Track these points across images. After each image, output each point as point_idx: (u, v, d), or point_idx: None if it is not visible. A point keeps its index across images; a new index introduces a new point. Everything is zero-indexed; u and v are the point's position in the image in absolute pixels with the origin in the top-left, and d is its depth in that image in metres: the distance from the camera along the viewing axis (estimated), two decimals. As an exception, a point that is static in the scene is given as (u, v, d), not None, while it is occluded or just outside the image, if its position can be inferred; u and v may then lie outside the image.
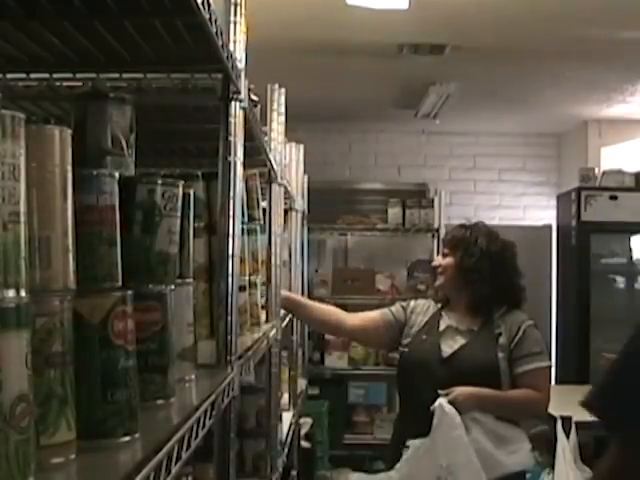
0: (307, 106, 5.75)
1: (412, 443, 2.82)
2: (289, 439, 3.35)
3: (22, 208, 0.76)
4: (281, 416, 3.11)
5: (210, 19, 1.31)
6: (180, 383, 1.33)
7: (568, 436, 3.78)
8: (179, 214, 1.27)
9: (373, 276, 6.25)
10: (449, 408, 2.77)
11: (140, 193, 1.18)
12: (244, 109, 1.68)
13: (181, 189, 1.27)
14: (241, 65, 1.67)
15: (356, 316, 3.33)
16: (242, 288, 2.00)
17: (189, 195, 1.36)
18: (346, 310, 3.45)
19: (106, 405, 0.99)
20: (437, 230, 6.11)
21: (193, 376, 1.41)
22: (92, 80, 1.67)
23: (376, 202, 6.66)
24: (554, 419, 3.82)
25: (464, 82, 5.38)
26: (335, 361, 6.16)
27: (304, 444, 4.61)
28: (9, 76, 1.67)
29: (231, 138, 1.61)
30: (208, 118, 1.87)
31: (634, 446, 1.62)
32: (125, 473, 0.85)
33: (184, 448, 1.08)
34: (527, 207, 7.23)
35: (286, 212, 3.59)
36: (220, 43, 1.41)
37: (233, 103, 1.62)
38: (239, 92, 1.63)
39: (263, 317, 2.47)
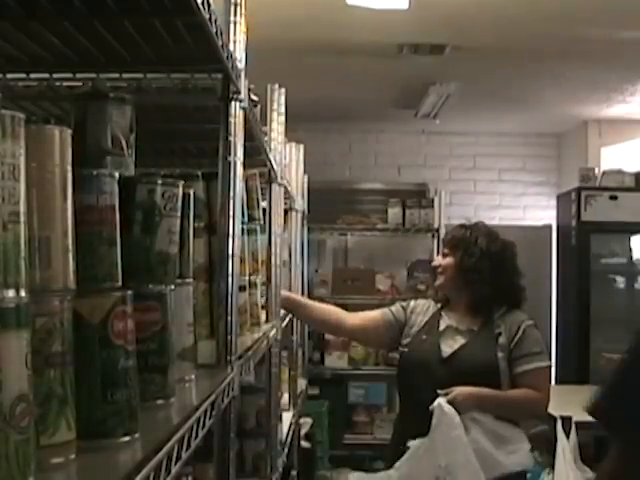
0: (307, 106, 5.75)
1: (412, 444, 2.82)
2: (289, 439, 3.35)
3: (22, 208, 0.76)
4: (281, 416, 3.11)
5: (210, 19, 1.31)
6: (180, 383, 1.33)
7: (568, 436, 3.78)
8: (179, 214, 1.27)
9: (373, 276, 6.26)
10: (448, 408, 2.77)
11: (140, 193, 1.18)
12: (244, 109, 1.68)
13: (181, 189, 1.27)
14: (241, 65, 1.67)
15: (356, 316, 3.33)
16: (242, 288, 2.00)
17: (189, 195, 1.36)
18: (346, 310, 3.45)
19: (106, 405, 0.99)
20: (437, 230, 6.11)
21: (193, 376, 1.41)
22: (92, 80, 1.67)
23: (376, 202, 6.67)
24: (554, 419, 3.82)
25: (464, 82, 5.38)
26: (335, 361, 6.16)
27: (304, 444, 4.61)
28: (9, 76, 1.67)
29: (231, 138, 1.61)
30: (208, 118, 1.87)
31: (636, 448, 1.62)
32: (125, 473, 0.85)
33: (184, 448, 1.08)
34: (527, 207, 7.23)
35: (286, 212, 3.59)
36: (220, 43, 1.41)
37: (233, 103, 1.62)
38: (239, 92, 1.63)
39: (263, 317, 2.47)
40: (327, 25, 4.32)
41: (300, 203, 4.31)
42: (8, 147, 0.74)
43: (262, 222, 2.43)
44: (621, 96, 5.79)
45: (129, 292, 1.04)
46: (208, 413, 1.28)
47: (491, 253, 3.07)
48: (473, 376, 2.89)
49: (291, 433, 3.46)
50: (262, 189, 2.51)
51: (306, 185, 4.92)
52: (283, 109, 3.08)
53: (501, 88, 5.72)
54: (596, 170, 6.23)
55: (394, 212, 6.25)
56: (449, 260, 3.13)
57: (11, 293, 0.74)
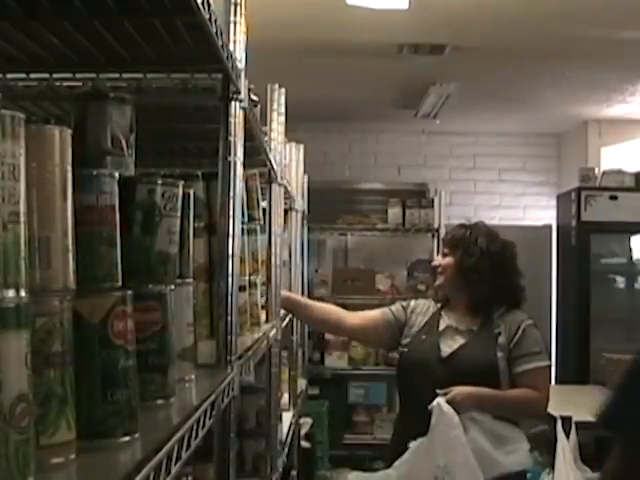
0: (307, 106, 5.75)
1: (412, 444, 2.82)
2: (289, 439, 3.35)
3: (22, 208, 0.76)
4: (281, 416, 3.11)
5: (210, 19, 1.31)
6: (180, 383, 1.33)
7: (568, 436, 3.78)
8: (179, 214, 1.27)
9: (373, 276, 6.26)
10: (447, 408, 2.77)
11: (140, 193, 1.18)
12: (244, 109, 1.68)
13: (181, 189, 1.27)
14: (241, 65, 1.67)
15: (356, 315, 3.33)
16: (242, 288, 2.00)
17: (189, 195, 1.36)
18: (346, 310, 3.45)
19: (106, 405, 0.99)
20: (437, 230, 6.12)
21: (193, 376, 1.41)
22: (92, 80, 1.67)
23: (376, 202, 6.67)
24: (554, 419, 3.82)
25: (464, 82, 5.38)
26: (335, 361, 6.16)
27: (304, 444, 4.61)
28: (9, 76, 1.67)
29: (231, 138, 1.61)
30: (208, 118, 1.87)
31: (638, 449, 1.63)
32: (125, 473, 0.85)
33: (184, 448, 1.08)
34: (527, 207, 7.23)
35: (286, 212, 3.59)
36: (220, 43, 1.41)
37: (233, 103, 1.62)
38: (239, 92, 1.63)
39: (263, 317, 2.47)
40: (327, 25, 4.32)
41: (300, 203, 4.31)
42: (8, 147, 0.74)
43: (262, 222, 2.43)
44: (621, 96, 5.79)
45: (129, 292, 1.04)
46: (208, 413, 1.28)
47: (491, 253, 3.07)
48: (472, 376, 2.89)
49: (291, 433, 3.46)
50: (262, 189, 2.51)
51: (306, 185, 4.92)
52: (283, 109, 3.08)
53: (501, 88, 5.72)
54: (596, 170, 6.23)
55: (394, 212, 6.26)
56: (449, 260, 3.13)
57: (11, 293, 0.74)
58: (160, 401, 1.19)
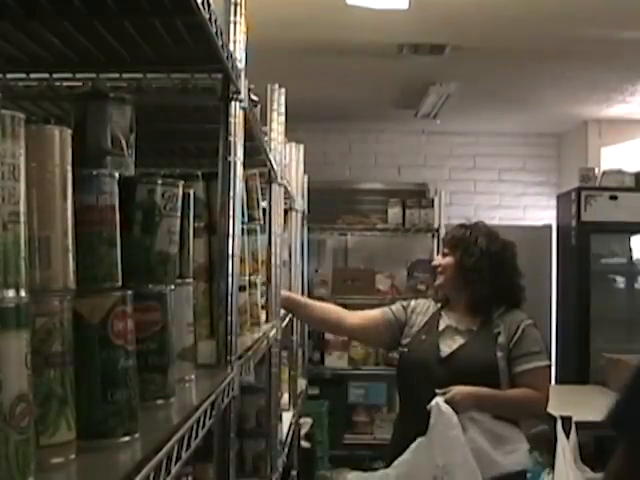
0: (307, 106, 5.75)
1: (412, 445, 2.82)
2: (289, 439, 3.35)
3: (22, 208, 0.76)
4: (281, 416, 3.11)
5: (210, 19, 1.31)
6: (180, 383, 1.33)
7: (568, 436, 3.78)
8: (179, 214, 1.27)
9: (373, 276, 6.26)
10: (446, 407, 2.77)
11: (140, 193, 1.18)
12: (244, 109, 1.68)
13: (181, 189, 1.27)
14: (241, 65, 1.67)
15: (356, 314, 3.33)
16: (242, 288, 2.00)
17: (189, 195, 1.36)
18: (346, 309, 3.45)
19: (106, 405, 0.99)
20: (437, 230, 6.12)
21: (193, 376, 1.41)
22: (92, 80, 1.67)
23: (376, 202, 6.67)
24: (554, 419, 3.82)
25: (464, 82, 5.38)
26: (335, 361, 6.16)
27: (304, 444, 4.61)
28: (9, 76, 1.67)
29: (231, 138, 1.61)
30: (208, 118, 1.87)
31: None
32: (125, 473, 0.85)
33: (184, 448, 1.08)
34: (527, 207, 7.23)
35: (286, 212, 3.59)
36: (220, 43, 1.41)
37: (233, 103, 1.62)
38: (239, 92, 1.63)
39: (263, 317, 2.47)
40: (327, 25, 4.32)
41: (300, 203, 4.31)
42: (8, 147, 0.74)
43: (262, 222, 2.43)
44: (621, 96, 5.79)
45: (129, 292, 1.04)
46: (208, 413, 1.28)
47: (491, 253, 3.07)
48: (472, 376, 2.89)
49: (291, 433, 3.46)
50: (262, 189, 2.51)
51: (306, 185, 4.92)
52: (283, 109, 3.08)
53: (501, 88, 5.72)
54: (596, 170, 6.23)
55: (394, 212, 6.26)
56: (449, 260, 3.13)
57: (11, 293, 0.74)
58: (160, 401, 1.19)
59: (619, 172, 6.15)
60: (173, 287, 1.25)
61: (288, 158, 3.49)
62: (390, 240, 6.59)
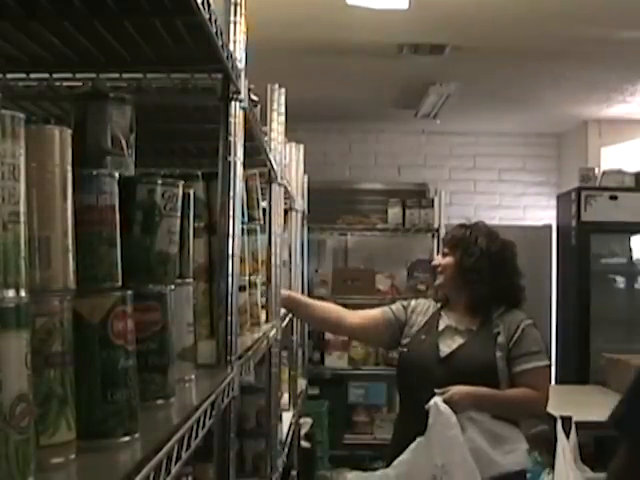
0: (307, 106, 5.75)
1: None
2: (289, 439, 3.35)
3: (22, 208, 0.76)
4: (281, 416, 3.11)
5: (210, 19, 1.31)
6: (180, 383, 1.33)
7: (568, 436, 3.78)
8: (179, 214, 1.27)
9: (373, 276, 6.26)
10: (444, 407, 2.77)
11: (140, 193, 1.18)
12: (244, 109, 1.68)
13: (181, 189, 1.27)
14: (241, 65, 1.67)
15: (356, 314, 3.33)
16: (242, 288, 2.00)
17: (189, 195, 1.36)
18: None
19: (106, 405, 0.99)
20: (437, 230, 6.12)
21: (193, 376, 1.41)
22: (92, 80, 1.67)
23: (376, 202, 6.67)
24: (554, 419, 3.82)
25: (464, 82, 5.38)
26: (335, 361, 6.16)
27: (304, 444, 4.61)
28: (9, 76, 1.67)
29: (231, 138, 1.61)
30: (208, 118, 1.87)
31: None
32: (125, 473, 0.85)
33: (184, 448, 1.08)
34: (527, 207, 7.23)
35: (286, 212, 3.59)
36: (220, 43, 1.41)
37: (233, 103, 1.62)
38: (239, 92, 1.63)
39: (263, 317, 2.47)
40: (327, 25, 4.32)
41: (300, 203, 4.31)
42: (8, 147, 0.74)
43: (262, 222, 2.43)
44: (621, 96, 5.79)
45: (129, 292, 1.04)
46: (208, 413, 1.28)
47: (491, 253, 3.07)
48: (471, 376, 2.89)
49: (291, 433, 3.46)
50: (262, 189, 2.51)
51: (306, 185, 4.92)
52: (283, 109, 3.08)
53: (501, 88, 5.72)
54: (596, 170, 6.23)
55: (394, 212, 6.26)
56: (449, 260, 3.13)
57: (11, 293, 0.74)
58: (160, 401, 1.19)
59: (619, 172, 6.15)
60: (173, 287, 1.25)
61: (288, 158, 3.49)
62: (390, 240, 6.59)
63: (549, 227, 6.72)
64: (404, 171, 7.23)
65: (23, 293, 0.76)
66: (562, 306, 6.43)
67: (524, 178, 7.24)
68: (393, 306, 3.28)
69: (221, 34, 1.41)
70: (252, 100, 2.07)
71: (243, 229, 2.02)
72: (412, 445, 2.80)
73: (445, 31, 4.42)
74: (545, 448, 3.98)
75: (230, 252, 1.62)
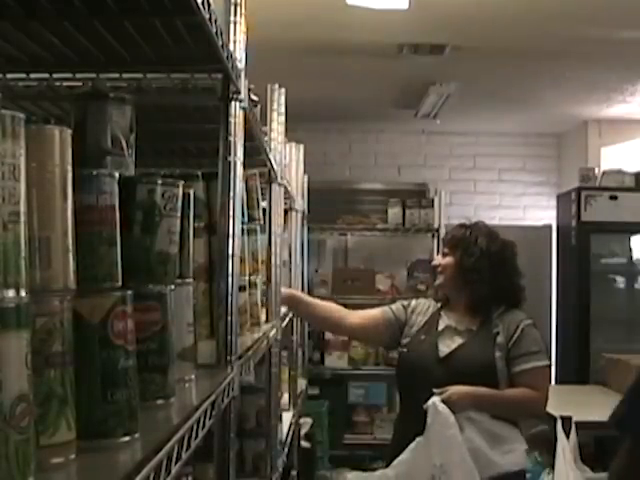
0: (307, 106, 5.75)
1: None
2: (289, 439, 3.35)
3: (22, 208, 0.76)
4: (281, 416, 3.11)
5: (210, 19, 1.31)
6: (180, 383, 1.32)
7: (568, 436, 3.78)
8: (179, 214, 1.27)
9: (373, 276, 6.26)
10: (442, 407, 2.77)
11: (140, 193, 1.18)
12: (244, 109, 1.68)
13: (181, 189, 1.27)
14: (241, 65, 1.67)
15: (356, 314, 3.33)
16: (242, 288, 2.00)
17: (189, 195, 1.36)
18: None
19: (106, 405, 0.99)
20: (437, 230, 6.12)
21: (193, 376, 1.41)
22: (92, 80, 1.67)
23: (376, 202, 6.67)
24: (554, 419, 3.82)
25: (464, 82, 5.38)
26: (335, 361, 6.16)
27: (304, 444, 4.61)
28: (9, 76, 1.67)
29: (231, 138, 1.61)
30: (208, 118, 1.87)
31: None
32: (125, 473, 0.85)
33: (184, 448, 1.08)
34: (527, 207, 7.23)
35: (286, 212, 3.59)
36: (220, 43, 1.41)
37: (233, 103, 1.62)
38: (239, 92, 1.63)
39: (263, 317, 2.47)
40: (327, 25, 4.32)
41: (300, 203, 4.31)
42: (8, 147, 0.74)
43: (262, 222, 2.43)
44: (621, 96, 5.79)
45: (129, 292, 1.04)
46: (208, 413, 1.28)
47: (491, 253, 3.07)
48: (470, 376, 2.89)
49: (291, 433, 3.46)
50: (262, 189, 2.51)
51: (306, 185, 4.92)
52: (283, 109, 3.08)
53: (501, 88, 5.72)
54: (596, 170, 6.23)
55: (394, 212, 6.26)
56: (449, 260, 3.13)
57: (11, 293, 0.74)
58: (160, 401, 1.19)
59: (619, 172, 6.15)
60: (173, 287, 1.25)
61: (288, 158, 3.49)
62: (390, 240, 6.59)
63: (549, 227, 6.72)
64: (404, 171, 7.23)
65: (23, 293, 0.76)
66: (562, 306, 6.43)
67: (524, 178, 7.24)
68: (393, 306, 3.28)
69: (221, 34, 1.41)
70: (252, 100, 2.07)
71: (243, 229, 2.02)
72: (411, 445, 2.80)
73: (445, 31, 4.42)
74: (545, 448, 3.98)
75: (230, 252, 1.62)
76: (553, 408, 3.63)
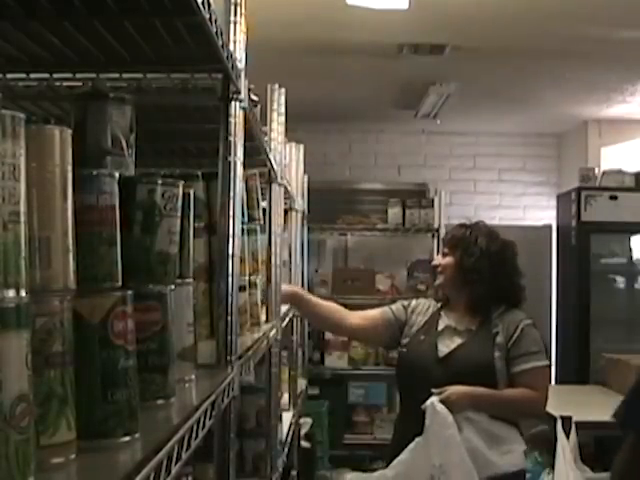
0: (307, 106, 5.75)
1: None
2: (289, 439, 3.35)
3: (22, 208, 0.76)
4: (281, 416, 3.11)
5: (210, 19, 1.31)
6: (180, 383, 1.32)
7: (568, 436, 3.78)
8: (179, 214, 1.27)
9: (373, 276, 6.26)
10: (440, 407, 2.77)
11: (140, 193, 1.18)
12: (244, 109, 1.68)
13: (181, 189, 1.27)
14: (241, 65, 1.67)
15: (356, 315, 3.32)
16: (242, 288, 2.00)
17: (189, 195, 1.36)
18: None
19: (106, 405, 0.99)
20: (437, 230, 6.12)
21: (193, 376, 1.41)
22: (92, 80, 1.67)
23: (376, 202, 6.67)
24: (554, 419, 3.82)
25: (464, 82, 5.38)
26: (335, 361, 6.16)
27: (304, 444, 4.61)
28: (9, 76, 1.67)
29: (231, 138, 1.61)
30: (208, 118, 1.87)
31: None
32: (125, 473, 0.85)
33: (184, 448, 1.08)
34: (527, 207, 7.23)
35: (286, 212, 3.59)
36: (220, 43, 1.41)
37: (233, 103, 1.62)
38: (239, 92, 1.63)
39: (263, 317, 2.47)
40: (327, 25, 4.32)
41: (300, 203, 4.31)
42: (8, 147, 0.74)
43: (262, 222, 2.43)
44: (621, 96, 5.79)
45: (129, 292, 1.04)
46: (208, 413, 1.28)
47: (491, 253, 3.06)
48: (469, 376, 2.89)
49: (291, 433, 3.46)
50: (262, 189, 2.51)
51: (306, 185, 4.92)
52: (283, 109, 3.08)
53: (501, 88, 5.72)
54: (596, 170, 6.23)
55: (394, 212, 6.26)
56: (449, 259, 3.13)
57: (11, 293, 0.74)
58: (160, 401, 1.19)
59: (619, 172, 6.15)
60: (173, 287, 1.25)
61: (288, 158, 3.49)
62: (390, 240, 6.59)
63: (549, 227, 6.72)
64: (404, 171, 7.23)
65: (23, 293, 0.76)
66: (562, 306, 6.43)
67: (524, 178, 7.24)
68: (393, 306, 3.28)
69: (221, 34, 1.41)
70: (252, 100, 2.07)
71: (243, 229, 2.02)
72: (410, 445, 2.80)
73: (445, 31, 4.42)
74: (545, 448, 3.98)
75: (230, 252, 1.62)
76: (553, 408, 3.63)
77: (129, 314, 1.03)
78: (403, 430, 3.00)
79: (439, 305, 3.18)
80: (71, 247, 0.89)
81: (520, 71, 5.22)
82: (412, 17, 4.13)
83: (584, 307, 5.93)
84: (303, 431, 4.62)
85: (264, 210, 2.55)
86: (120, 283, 1.05)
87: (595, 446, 4.16)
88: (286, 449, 3.14)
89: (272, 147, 2.71)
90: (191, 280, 1.43)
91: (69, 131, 0.90)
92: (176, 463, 1.03)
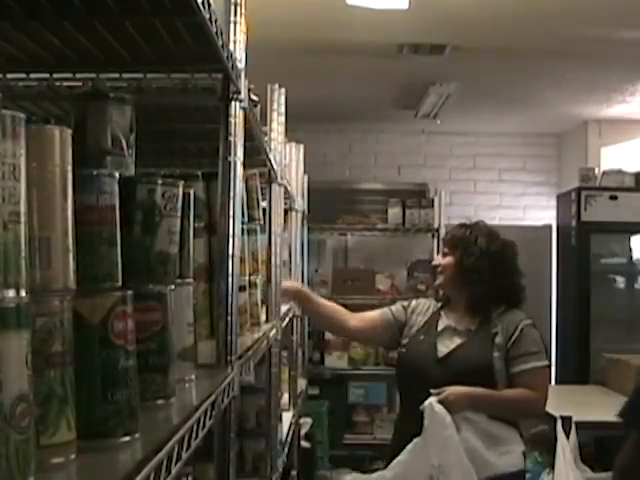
0: (307, 106, 5.75)
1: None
2: (289, 439, 3.35)
3: (22, 208, 0.76)
4: (281, 416, 3.11)
5: (210, 19, 1.31)
6: (180, 383, 1.32)
7: (568, 436, 3.78)
8: (179, 214, 1.27)
9: (373, 276, 6.26)
10: (439, 408, 2.77)
11: (140, 193, 1.18)
12: (244, 109, 1.68)
13: (181, 189, 1.27)
14: (241, 65, 1.67)
15: (357, 317, 3.33)
16: (242, 288, 2.00)
17: (189, 195, 1.36)
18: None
19: (106, 405, 0.99)
20: (437, 230, 6.12)
21: (193, 376, 1.41)
22: (92, 80, 1.67)
23: (376, 202, 6.67)
24: (554, 419, 3.82)
25: (464, 82, 5.38)
26: (335, 361, 6.16)
27: (304, 444, 4.61)
28: (9, 76, 1.67)
29: (231, 138, 1.61)
30: (208, 118, 1.87)
31: None
32: (125, 473, 0.85)
33: (184, 448, 1.08)
34: (527, 207, 7.23)
35: (286, 212, 3.59)
36: (220, 43, 1.41)
37: (233, 103, 1.62)
38: (239, 92, 1.63)
39: (263, 317, 2.47)
40: (327, 25, 4.32)
41: (300, 203, 4.31)
42: (8, 147, 0.74)
43: (262, 222, 2.43)
44: (621, 96, 5.79)
45: (129, 292, 1.04)
46: (208, 413, 1.28)
47: (491, 253, 3.06)
48: (468, 376, 2.88)
49: (291, 433, 3.46)
50: (262, 189, 2.51)
51: (306, 185, 4.92)
52: (283, 109, 3.08)
53: (501, 88, 5.72)
54: (596, 170, 6.23)
55: (394, 212, 6.26)
56: (449, 259, 3.13)
57: (11, 293, 0.74)
58: (160, 401, 1.19)
59: (619, 172, 6.15)
60: (173, 287, 1.25)
61: (288, 158, 3.49)
62: (390, 240, 6.59)
63: (549, 227, 6.72)
64: (404, 171, 7.23)
65: (23, 293, 0.76)
66: (562, 306, 6.43)
67: (524, 178, 7.24)
68: (393, 307, 3.28)
69: (221, 34, 1.41)
70: (252, 100, 2.07)
71: (243, 229, 2.02)
72: (409, 446, 2.80)
73: (445, 31, 4.42)
74: (545, 448, 3.98)
75: (230, 252, 1.62)
76: (553, 408, 3.63)
77: (129, 314, 1.03)
78: (403, 430, 3.00)
79: (439, 305, 3.18)
80: (71, 247, 0.89)
81: (520, 71, 5.22)
82: (412, 17, 4.13)
83: (584, 307, 5.93)
84: (303, 431, 4.62)
85: (264, 210, 2.55)
86: (120, 283, 1.05)
87: (595, 446, 4.16)
88: (286, 449, 3.14)
89: (272, 147, 2.71)
90: (191, 280, 1.43)
91: (69, 131, 0.90)
92: (176, 463, 1.03)
